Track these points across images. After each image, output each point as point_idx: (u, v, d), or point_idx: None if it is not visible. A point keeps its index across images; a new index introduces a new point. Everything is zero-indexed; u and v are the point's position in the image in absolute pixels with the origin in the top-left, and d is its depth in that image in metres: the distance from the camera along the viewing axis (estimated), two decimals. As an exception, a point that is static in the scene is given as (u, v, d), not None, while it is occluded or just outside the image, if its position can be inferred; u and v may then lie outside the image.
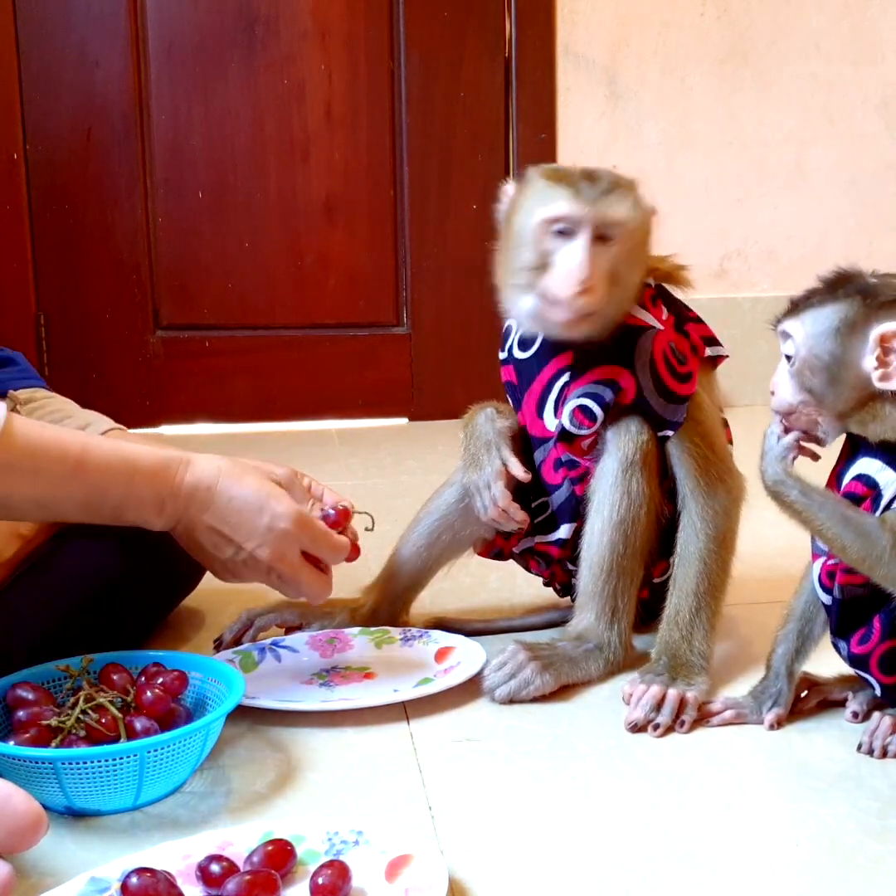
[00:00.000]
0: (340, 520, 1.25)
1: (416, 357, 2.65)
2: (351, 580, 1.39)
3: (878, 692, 1.12)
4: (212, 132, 2.52)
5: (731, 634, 1.36)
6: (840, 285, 1.06)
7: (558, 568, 1.37)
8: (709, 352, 1.31)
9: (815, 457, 1.09)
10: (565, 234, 1.21)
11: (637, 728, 1.15)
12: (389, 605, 1.41)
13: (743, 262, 2.67)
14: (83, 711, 1.04)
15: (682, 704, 1.17)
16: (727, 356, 1.34)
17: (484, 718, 1.19)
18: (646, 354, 1.25)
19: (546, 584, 1.44)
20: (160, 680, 1.09)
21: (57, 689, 1.10)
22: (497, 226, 1.30)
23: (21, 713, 1.04)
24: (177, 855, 0.91)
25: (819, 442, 1.08)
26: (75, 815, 1.01)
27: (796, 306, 1.07)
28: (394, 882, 0.88)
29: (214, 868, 0.88)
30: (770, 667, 1.16)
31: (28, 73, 2.43)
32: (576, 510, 1.31)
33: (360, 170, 2.58)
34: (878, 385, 1.02)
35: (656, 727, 1.15)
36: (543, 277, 1.22)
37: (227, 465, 1.19)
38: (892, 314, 1.03)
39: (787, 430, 1.06)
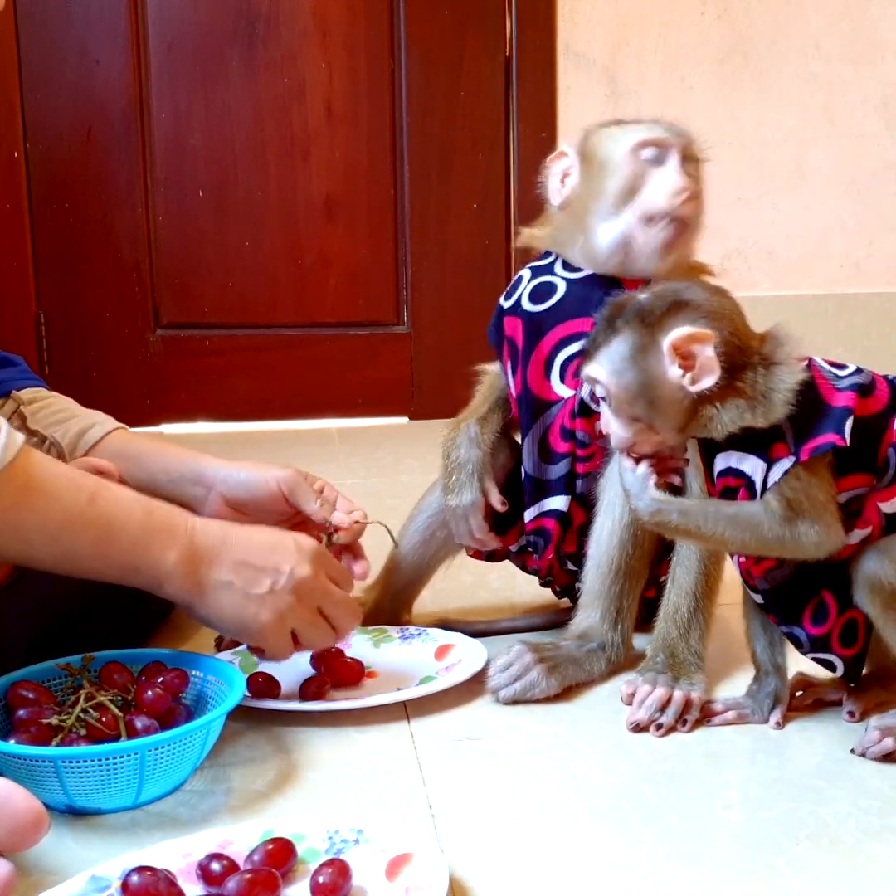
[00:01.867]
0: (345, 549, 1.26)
1: (416, 356, 2.65)
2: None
3: (839, 671, 1.12)
4: (212, 131, 2.52)
5: (724, 634, 1.35)
6: (616, 316, 1.06)
7: (559, 570, 1.37)
8: None
9: (677, 473, 1.11)
10: (654, 161, 1.26)
11: (639, 728, 1.15)
12: (391, 603, 1.42)
13: (743, 262, 2.67)
14: (84, 710, 1.04)
15: (686, 705, 1.17)
16: None
17: (484, 717, 1.19)
18: None
19: (544, 585, 1.44)
20: (161, 679, 1.09)
21: (57, 688, 1.10)
22: (546, 180, 1.33)
23: (22, 712, 1.04)
24: (177, 853, 0.91)
25: (675, 467, 1.09)
26: (76, 814, 1.01)
27: (589, 351, 1.08)
28: (394, 881, 0.88)
29: (215, 866, 0.88)
30: (758, 666, 1.17)
31: (28, 72, 2.43)
32: (570, 484, 1.31)
33: (360, 169, 2.58)
34: (692, 389, 1.03)
35: (659, 727, 1.15)
36: (635, 201, 1.26)
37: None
38: (673, 322, 1.03)
39: (638, 460, 1.07)
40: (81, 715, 1.03)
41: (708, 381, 1.02)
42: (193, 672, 1.13)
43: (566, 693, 1.24)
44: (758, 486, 1.04)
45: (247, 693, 1.17)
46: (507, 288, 1.36)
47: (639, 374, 1.04)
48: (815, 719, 1.16)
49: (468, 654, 1.27)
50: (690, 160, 1.28)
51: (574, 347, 1.28)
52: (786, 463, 1.02)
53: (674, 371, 1.03)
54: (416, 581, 1.43)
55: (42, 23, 2.42)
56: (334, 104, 2.55)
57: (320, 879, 0.87)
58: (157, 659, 1.14)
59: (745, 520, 1.04)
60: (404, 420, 2.66)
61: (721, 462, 1.07)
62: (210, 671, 1.13)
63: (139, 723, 1.04)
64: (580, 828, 0.98)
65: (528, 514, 1.34)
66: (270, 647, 1.13)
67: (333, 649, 1.28)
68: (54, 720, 1.03)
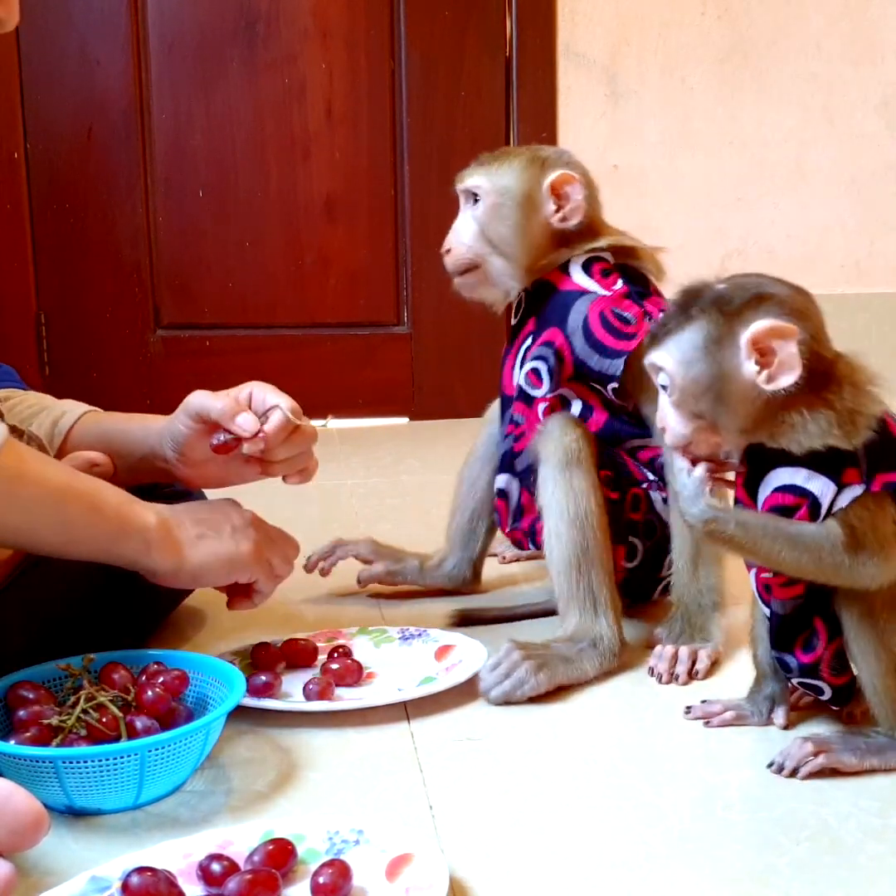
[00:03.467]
0: (228, 446, 1.23)
1: (416, 356, 2.66)
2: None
3: (826, 696, 1.10)
4: (212, 131, 2.52)
5: (731, 633, 1.36)
6: (691, 303, 1.01)
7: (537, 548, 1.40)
8: None
9: (731, 485, 1.08)
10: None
11: (664, 680, 1.26)
12: (461, 551, 1.49)
13: (743, 262, 2.67)
14: (84, 710, 1.04)
15: (695, 658, 1.27)
16: None
17: (484, 718, 1.19)
18: (579, 315, 1.31)
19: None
20: (161, 679, 1.09)
21: (58, 688, 1.10)
22: None
23: (22, 712, 1.04)
24: (178, 854, 0.91)
25: (725, 465, 1.05)
26: (76, 815, 1.01)
27: (657, 336, 1.02)
28: (394, 881, 0.88)
29: (215, 867, 0.88)
30: (758, 668, 1.16)
31: (29, 73, 2.43)
32: (510, 463, 1.39)
33: (360, 169, 2.58)
34: (767, 388, 0.98)
35: (676, 677, 1.25)
36: None
37: None
38: (754, 314, 0.98)
39: (693, 462, 1.03)
40: (82, 715, 1.03)
41: (786, 380, 0.97)
42: (193, 672, 1.13)
43: (566, 693, 1.24)
44: (823, 509, 1.00)
45: (247, 693, 1.17)
46: None
47: (710, 366, 0.99)
48: (815, 719, 1.16)
49: (468, 655, 1.27)
50: (472, 193, 1.36)
51: (528, 341, 1.37)
52: (856, 490, 0.99)
53: (749, 366, 0.98)
54: (477, 527, 1.49)
55: (42, 23, 2.42)
56: (334, 104, 2.55)
57: (320, 880, 0.87)
58: (157, 659, 1.14)
59: (806, 541, 0.99)
60: (404, 420, 2.66)
61: (785, 477, 1.02)
62: (210, 671, 1.13)
63: (139, 723, 1.04)
64: (580, 828, 0.98)
65: (496, 482, 1.42)
66: (260, 575, 1.22)
67: (338, 651, 1.28)
68: (54, 720, 1.03)
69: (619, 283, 1.33)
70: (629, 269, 1.36)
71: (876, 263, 2.77)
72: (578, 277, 1.35)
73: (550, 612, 1.38)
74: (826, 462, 1.00)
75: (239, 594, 1.25)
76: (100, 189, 2.50)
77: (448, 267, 1.37)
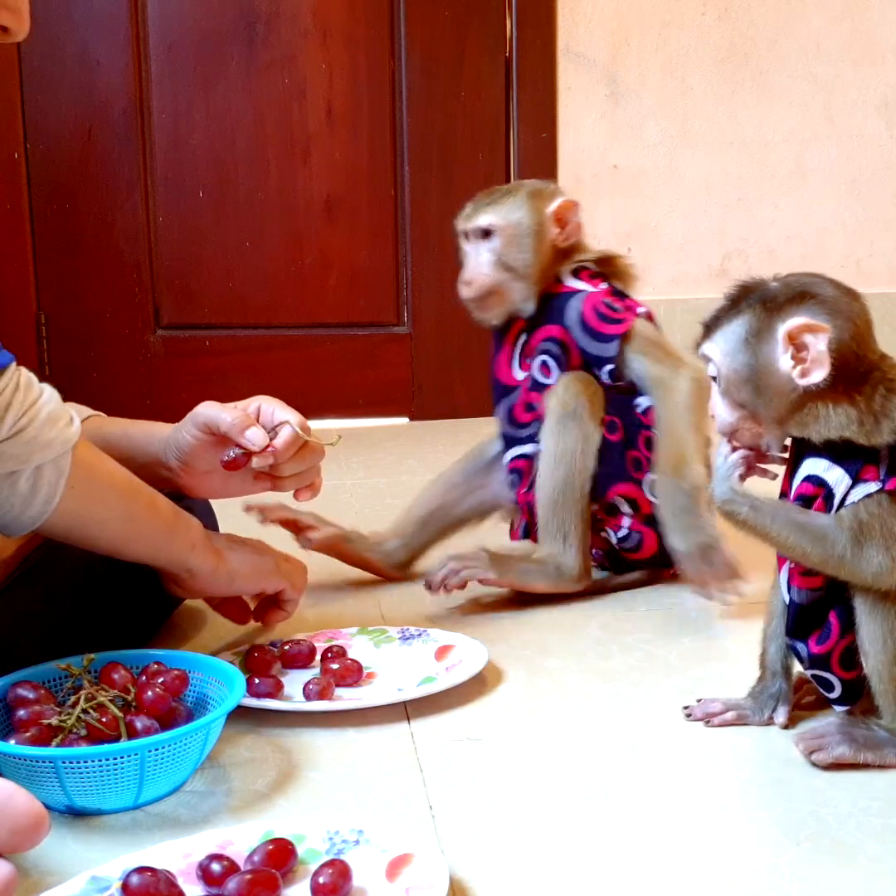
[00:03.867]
0: (239, 462, 1.23)
1: (416, 356, 2.66)
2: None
3: (836, 692, 1.11)
4: (212, 131, 2.53)
5: (737, 632, 1.36)
6: (742, 298, 1.06)
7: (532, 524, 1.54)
8: (641, 310, 1.55)
9: (772, 476, 1.11)
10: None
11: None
12: (405, 538, 1.60)
13: (743, 262, 2.67)
14: (84, 710, 1.04)
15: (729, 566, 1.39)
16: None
17: (485, 718, 1.19)
18: (575, 311, 1.52)
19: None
20: (161, 679, 1.09)
21: (58, 688, 1.10)
22: None
23: (22, 712, 1.04)
24: (178, 854, 0.91)
25: (766, 456, 1.09)
26: (76, 815, 1.01)
27: (708, 328, 1.08)
28: (394, 881, 0.88)
29: (215, 867, 0.88)
30: (765, 667, 1.16)
31: (29, 73, 2.43)
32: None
33: (360, 169, 2.58)
34: (801, 383, 1.02)
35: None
36: None
37: None
38: (794, 311, 1.02)
39: (735, 450, 1.08)
40: (82, 715, 1.03)
41: (817, 376, 1.01)
42: (193, 672, 1.13)
43: (566, 693, 1.24)
44: (836, 500, 1.03)
45: (247, 693, 1.17)
46: None
47: (751, 359, 1.04)
48: (814, 719, 1.16)
49: (468, 655, 1.27)
50: (486, 230, 1.52)
51: (523, 337, 1.57)
52: (871, 486, 1.01)
53: (786, 360, 1.02)
54: (427, 526, 1.60)
55: (42, 23, 2.41)
56: (334, 104, 2.55)
57: (321, 880, 0.87)
58: (157, 659, 1.14)
59: (813, 531, 1.03)
60: (405, 420, 2.66)
61: (807, 467, 1.06)
62: (210, 671, 1.14)
63: (139, 723, 1.04)
64: (580, 828, 0.98)
65: (506, 457, 1.58)
66: (285, 585, 1.31)
67: (332, 651, 1.28)
68: (54, 720, 1.03)
69: (603, 284, 1.56)
70: (607, 276, 1.58)
71: (876, 263, 2.77)
72: (570, 282, 1.56)
73: (651, 581, 1.57)
74: (846, 454, 1.03)
75: (271, 608, 1.33)
76: (100, 189, 2.51)
77: (468, 296, 1.54)
